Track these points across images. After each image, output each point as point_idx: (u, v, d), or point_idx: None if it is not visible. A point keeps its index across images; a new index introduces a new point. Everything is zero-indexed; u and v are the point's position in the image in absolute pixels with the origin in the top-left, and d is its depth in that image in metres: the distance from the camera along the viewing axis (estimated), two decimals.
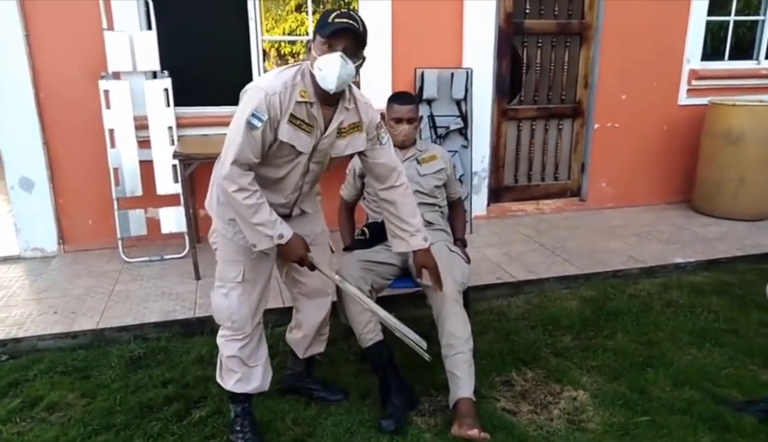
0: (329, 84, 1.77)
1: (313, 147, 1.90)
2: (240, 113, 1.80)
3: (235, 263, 1.99)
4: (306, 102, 1.83)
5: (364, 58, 1.86)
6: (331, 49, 1.76)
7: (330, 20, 1.76)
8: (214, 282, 2.05)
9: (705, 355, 2.67)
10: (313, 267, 1.98)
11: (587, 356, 2.66)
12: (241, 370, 2.05)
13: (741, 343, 2.77)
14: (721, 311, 3.07)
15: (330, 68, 1.75)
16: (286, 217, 2.01)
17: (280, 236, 1.87)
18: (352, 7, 8.65)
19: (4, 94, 3.49)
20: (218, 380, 2.12)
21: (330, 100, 1.87)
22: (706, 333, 2.85)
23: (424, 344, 2.00)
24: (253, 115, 1.77)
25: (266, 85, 1.80)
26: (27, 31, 3.46)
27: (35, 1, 3.44)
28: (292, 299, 2.29)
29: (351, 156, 2.18)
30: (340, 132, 1.94)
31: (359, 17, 1.80)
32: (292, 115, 1.81)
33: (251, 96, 1.79)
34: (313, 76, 1.81)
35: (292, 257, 1.94)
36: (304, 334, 2.30)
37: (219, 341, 2.07)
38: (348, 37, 1.77)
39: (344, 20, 1.76)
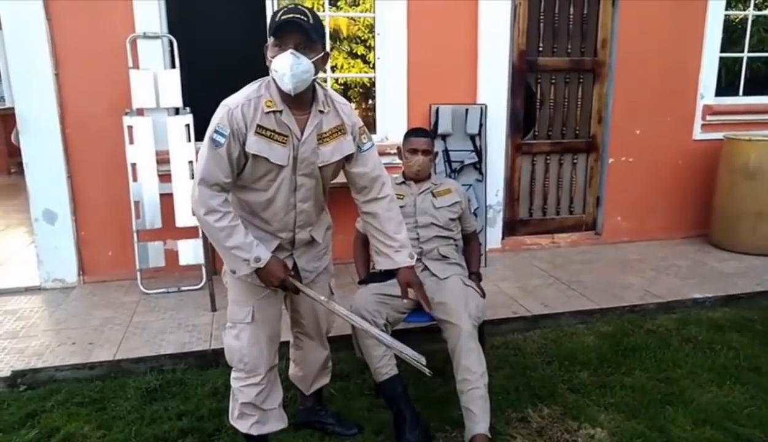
0: (286, 84, 1.71)
1: (294, 158, 1.81)
2: (207, 133, 1.77)
3: (244, 304, 1.95)
4: (273, 111, 1.77)
5: (325, 53, 1.79)
6: (282, 48, 1.70)
7: (276, 18, 1.70)
8: (227, 323, 2.03)
9: (726, 393, 2.62)
10: (296, 290, 1.91)
11: (605, 393, 2.62)
12: (257, 413, 2.01)
13: (763, 381, 2.71)
14: (742, 347, 3.02)
15: (283, 68, 1.69)
16: (291, 243, 1.96)
17: (257, 259, 1.78)
18: (368, 44, 8.77)
19: (33, 130, 3.62)
20: (232, 422, 2.07)
21: (301, 104, 1.80)
22: (727, 370, 2.80)
23: (423, 360, 1.89)
24: (215, 131, 1.73)
25: (229, 100, 1.77)
26: (57, 70, 3.61)
27: (66, 43, 3.60)
28: (293, 337, 2.27)
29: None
30: (322, 138, 1.84)
31: (308, 10, 1.73)
32: (259, 126, 1.75)
33: (215, 114, 1.77)
34: (276, 82, 1.76)
35: (272, 281, 1.84)
36: (305, 373, 2.28)
37: (233, 384, 2.02)
38: (296, 32, 1.70)
39: (289, 15, 1.69)
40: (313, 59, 1.74)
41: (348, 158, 1.94)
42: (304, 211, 1.92)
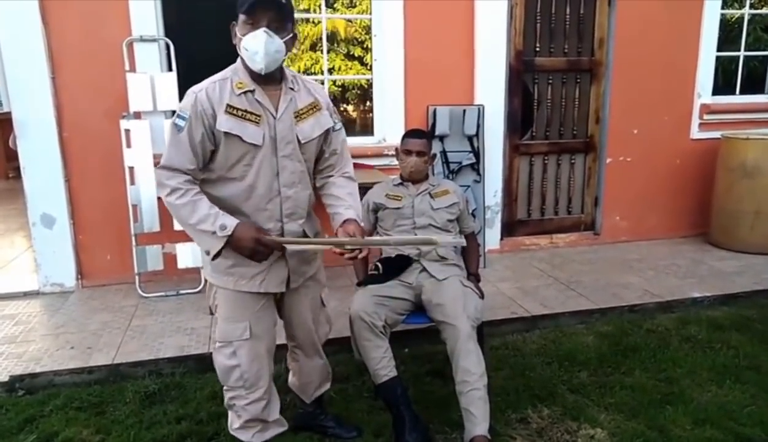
0: (258, 63, 1.68)
1: (272, 138, 1.77)
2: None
3: (239, 319, 1.88)
4: (244, 92, 1.74)
5: (294, 34, 1.77)
6: (254, 26, 1.67)
7: None
8: (216, 343, 1.94)
9: (726, 392, 2.62)
10: (280, 247, 1.77)
11: (604, 393, 2.62)
12: (260, 424, 2.00)
13: (763, 380, 2.71)
14: (741, 346, 3.02)
15: (256, 46, 1.66)
16: (281, 235, 1.84)
17: (223, 227, 1.68)
18: (365, 46, 8.84)
19: (30, 135, 3.61)
20: (232, 432, 2.02)
21: (271, 82, 1.78)
22: (727, 370, 2.79)
23: (436, 239, 1.82)
24: (177, 116, 1.73)
25: (195, 87, 1.76)
26: (53, 73, 3.60)
27: (63, 47, 3.59)
28: (289, 349, 2.23)
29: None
30: (299, 116, 1.81)
31: None
32: (229, 106, 1.71)
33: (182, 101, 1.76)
34: (245, 63, 1.74)
35: (245, 249, 1.71)
36: (302, 383, 2.25)
37: (234, 402, 1.95)
38: (270, 10, 1.67)
39: None
40: (284, 39, 1.72)
41: (326, 138, 1.92)
42: (290, 197, 1.85)
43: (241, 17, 1.70)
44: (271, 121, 1.77)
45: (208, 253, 1.75)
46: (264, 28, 1.67)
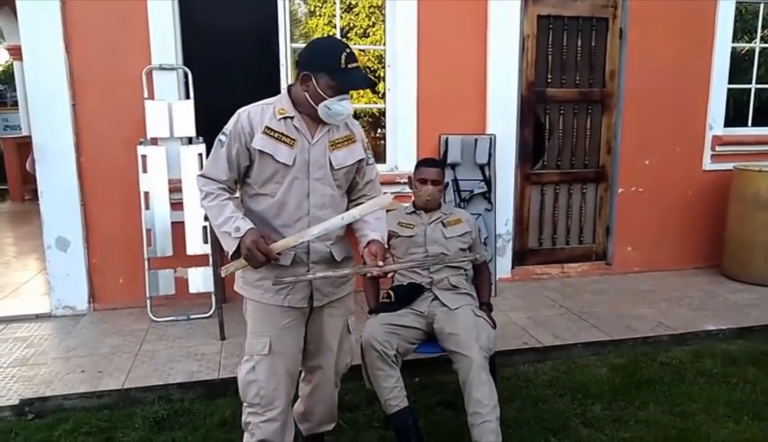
0: (336, 122, 1.91)
1: (304, 161, 1.90)
2: None
3: (262, 335, 1.95)
4: (284, 117, 1.90)
5: None
6: (340, 94, 1.85)
7: (343, 66, 1.82)
8: (243, 357, 1.99)
9: (743, 429, 2.56)
10: (272, 255, 1.81)
11: (619, 428, 2.57)
12: None
13: None
14: (758, 381, 2.96)
15: (346, 111, 1.88)
16: (306, 254, 1.94)
17: (237, 229, 1.81)
18: (377, 75, 8.98)
19: (49, 159, 3.68)
20: None
21: (313, 113, 1.91)
22: (744, 405, 2.74)
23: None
24: (222, 132, 1.91)
25: (243, 108, 1.93)
26: (74, 100, 3.68)
27: (84, 74, 3.68)
28: (304, 371, 2.19)
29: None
30: (334, 144, 1.96)
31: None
32: (267, 128, 1.87)
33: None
34: (294, 98, 1.91)
35: (243, 250, 1.79)
36: (308, 410, 2.21)
37: (250, 419, 1.97)
38: (360, 87, 1.93)
39: (355, 65, 1.85)
40: None
41: (359, 170, 2.05)
42: (320, 218, 1.93)
43: (330, 82, 1.83)
44: (306, 146, 1.91)
45: (228, 254, 1.87)
46: (348, 98, 1.89)
